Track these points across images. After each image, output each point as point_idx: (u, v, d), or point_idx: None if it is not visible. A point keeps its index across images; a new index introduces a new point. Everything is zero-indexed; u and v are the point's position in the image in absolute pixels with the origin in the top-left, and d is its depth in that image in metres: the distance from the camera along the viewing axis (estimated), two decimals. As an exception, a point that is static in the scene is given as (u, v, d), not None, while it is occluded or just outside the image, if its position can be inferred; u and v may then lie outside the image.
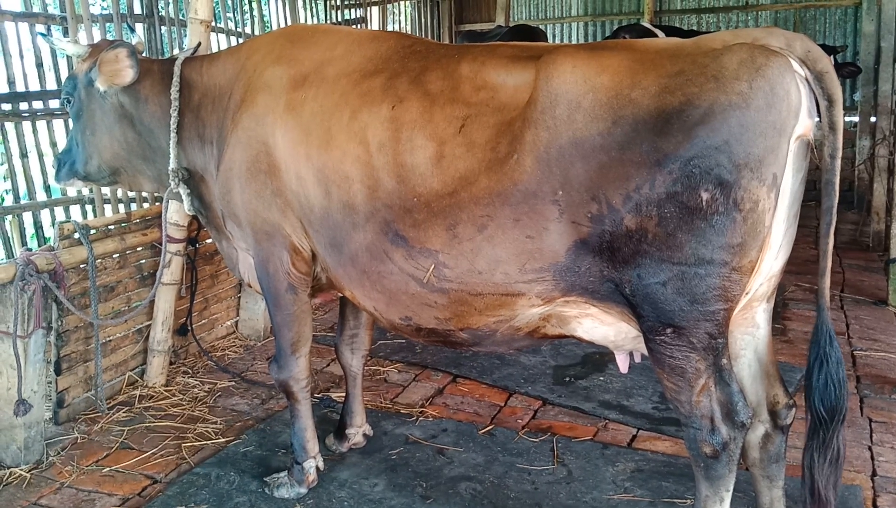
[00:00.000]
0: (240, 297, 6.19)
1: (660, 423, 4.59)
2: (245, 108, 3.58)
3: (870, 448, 4.25)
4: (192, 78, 3.90)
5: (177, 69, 3.89)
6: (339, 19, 10.48)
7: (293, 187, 3.43)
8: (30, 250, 4.43)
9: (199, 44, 4.51)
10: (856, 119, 10.30)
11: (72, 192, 6.36)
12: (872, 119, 9.43)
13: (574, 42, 12.98)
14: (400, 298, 3.27)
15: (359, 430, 4.36)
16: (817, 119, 2.69)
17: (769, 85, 2.53)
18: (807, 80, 2.63)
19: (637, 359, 3.35)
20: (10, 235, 5.91)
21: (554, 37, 13.63)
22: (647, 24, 10.76)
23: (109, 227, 4.95)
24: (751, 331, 3.06)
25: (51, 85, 6.24)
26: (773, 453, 3.05)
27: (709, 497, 2.90)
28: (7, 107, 5.93)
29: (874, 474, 4.00)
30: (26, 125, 6.07)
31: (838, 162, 2.68)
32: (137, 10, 6.71)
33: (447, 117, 3.01)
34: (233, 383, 5.30)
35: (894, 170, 6.90)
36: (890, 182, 7.60)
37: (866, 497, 3.78)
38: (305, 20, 9.69)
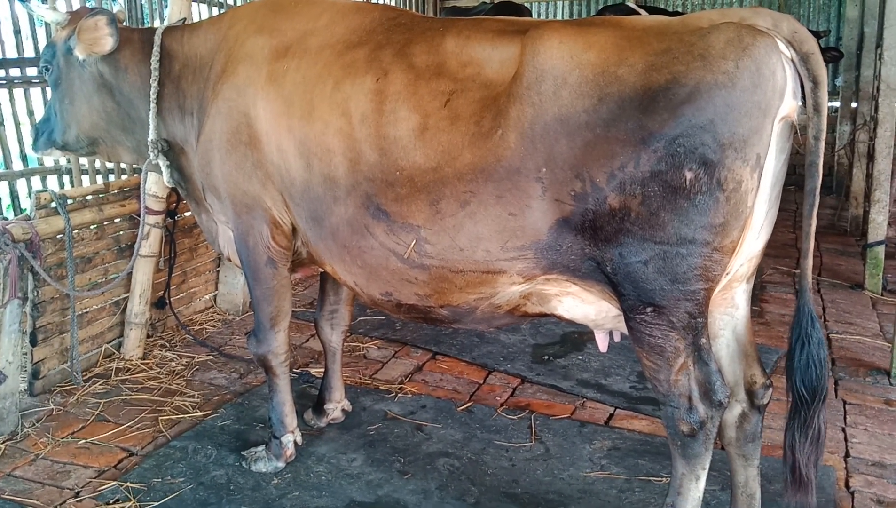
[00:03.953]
0: (219, 271, 6.15)
1: (637, 402, 4.62)
2: (226, 78, 3.53)
3: (843, 430, 4.30)
4: (172, 48, 3.85)
5: (157, 38, 3.84)
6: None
7: (274, 160, 3.40)
8: (5, 219, 4.37)
9: (185, 18, 4.45)
10: (837, 104, 10.34)
11: (49, 161, 6.27)
12: (853, 104, 9.47)
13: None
14: (380, 273, 3.25)
15: (337, 405, 4.36)
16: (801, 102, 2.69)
17: (755, 65, 2.52)
18: (792, 61, 2.62)
19: (616, 338, 3.36)
20: (-15, 204, 5.83)
21: (539, 15, 13.55)
22: (632, 5, 10.70)
23: (87, 197, 4.90)
24: (730, 311, 3.06)
25: (28, 52, 6.13)
26: (749, 432, 3.07)
27: (685, 475, 2.92)
28: (-17, 74, 5.84)
29: (847, 455, 4.05)
30: (3, 93, 5.97)
31: (822, 144, 2.67)
32: (117, -23, 6.59)
33: (432, 91, 2.99)
34: (211, 357, 5.27)
35: (874, 155, 6.93)
36: (869, 167, 7.64)
37: (839, 478, 3.83)
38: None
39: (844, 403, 4.61)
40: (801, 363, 2.79)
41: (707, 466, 2.92)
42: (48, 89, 4.30)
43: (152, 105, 3.81)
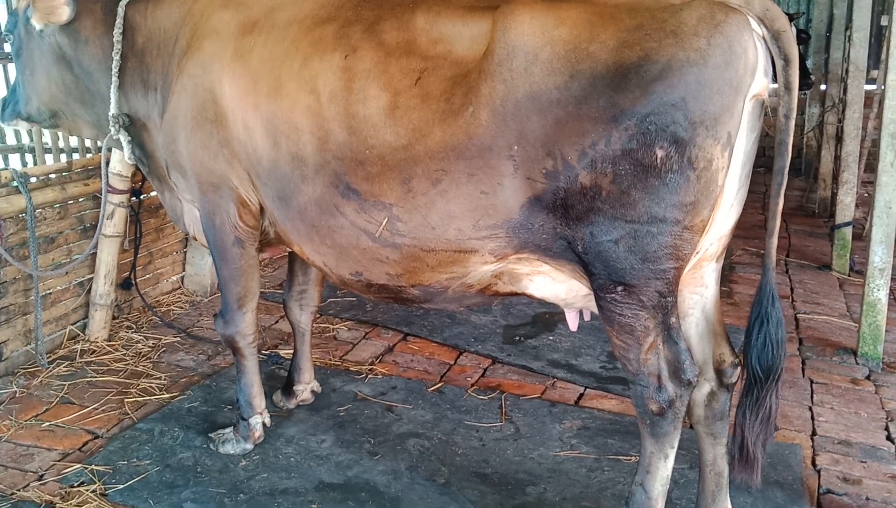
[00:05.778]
0: (186, 251, 6.07)
1: (607, 382, 4.63)
2: (191, 54, 3.46)
3: (810, 409, 4.34)
4: (136, 20, 3.75)
5: (120, 10, 3.74)
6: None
7: (240, 138, 3.33)
8: (-36, 197, 4.27)
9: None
10: (806, 86, 10.41)
11: (10, 140, 6.14)
12: (822, 87, 9.54)
13: None
14: (350, 253, 3.21)
15: (307, 387, 4.32)
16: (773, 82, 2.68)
17: (727, 42, 2.50)
18: (764, 38, 2.61)
19: (587, 317, 3.35)
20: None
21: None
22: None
23: (50, 176, 4.81)
24: (699, 291, 3.06)
25: (-12, 27, 5.99)
26: (717, 411, 3.08)
27: (654, 453, 2.92)
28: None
29: (814, 433, 4.10)
30: (-38, 69, 5.84)
31: (792, 122, 2.67)
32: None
33: (402, 69, 2.94)
34: (178, 338, 5.21)
35: (842, 137, 7.00)
36: (838, 149, 7.72)
37: (806, 456, 3.88)
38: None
39: (811, 382, 4.66)
40: (759, 341, 2.81)
41: (676, 445, 2.92)
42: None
43: (114, 79, 3.73)
